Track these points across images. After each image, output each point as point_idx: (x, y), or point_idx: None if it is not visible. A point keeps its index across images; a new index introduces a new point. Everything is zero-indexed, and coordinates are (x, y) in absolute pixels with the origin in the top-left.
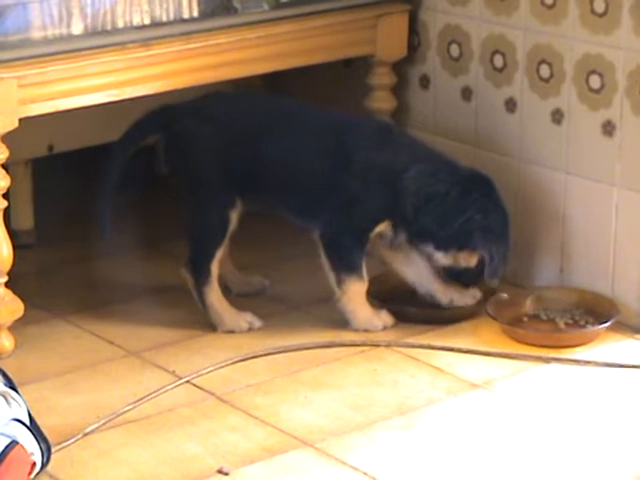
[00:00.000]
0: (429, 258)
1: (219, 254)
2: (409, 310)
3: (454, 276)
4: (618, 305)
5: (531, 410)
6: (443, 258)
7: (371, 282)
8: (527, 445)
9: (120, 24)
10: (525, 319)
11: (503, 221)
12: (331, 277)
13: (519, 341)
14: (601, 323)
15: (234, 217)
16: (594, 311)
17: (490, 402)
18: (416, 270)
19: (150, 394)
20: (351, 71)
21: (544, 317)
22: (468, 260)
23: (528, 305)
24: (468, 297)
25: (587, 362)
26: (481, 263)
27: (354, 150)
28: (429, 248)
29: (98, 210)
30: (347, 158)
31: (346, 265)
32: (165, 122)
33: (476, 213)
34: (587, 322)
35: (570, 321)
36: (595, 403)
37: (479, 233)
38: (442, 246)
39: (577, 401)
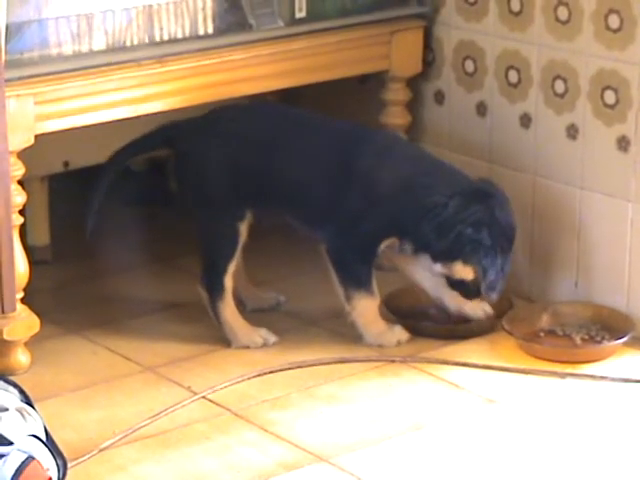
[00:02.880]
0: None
1: (232, 268)
2: (424, 325)
3: (455, 288)
4: (634, 320)
5: (547, 426)
6: (440, 269)
7: (387, 297)
8: (544, 461)
9: (135, 41)
10: (541, 334)
11: (502, 235)
12: (340, 292)
13: (535, 356)
14: (617, 338)
15: (244, 229)
16: (610, 326)
17: (506, 418)
18: (426, 275)
19: (166, 409)
20: (365, 87)
21: (560, 332)
22: (463, 273)
23: (544, 320)
24: (478, 309)
25: (603, 377)
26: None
27: (359, 166)
28: (428, 259)
29: (87, 207)
30: (352, 172)
31: (353, 280)
32: (173, 138)
33: (468, 227)
34: (603, 338)
35: (586, 337)
36: (611, 419)
37: (470, 247)
38: (438, 258)
39: (593, 417)
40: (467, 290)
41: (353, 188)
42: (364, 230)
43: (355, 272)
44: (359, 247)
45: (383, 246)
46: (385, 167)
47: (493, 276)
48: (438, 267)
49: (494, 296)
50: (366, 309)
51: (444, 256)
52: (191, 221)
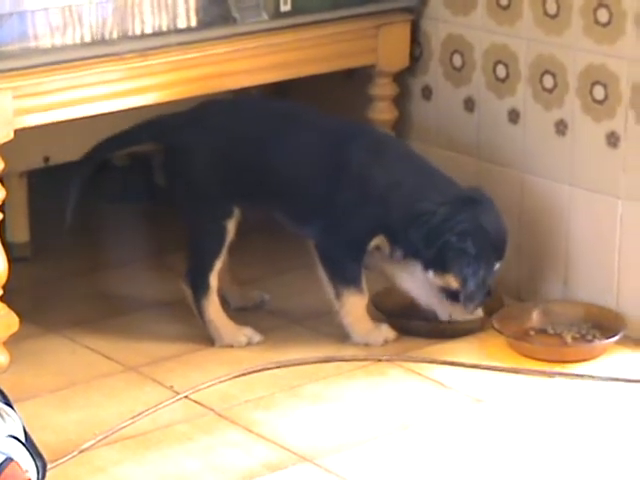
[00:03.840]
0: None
1: (218, 266)
2: (412, 324)
3: (450, 298)
4: (625, 318)
5: (535, 426)
6: (433, 278)
7: (374, 296)
8: (531, 461)
9: (117, 34)
10: (532, 333)
11: (491, 244)
12: (329, 289)
13: (525, 355)
14: (608, 337)
15: (232, 227)
16: (601, 325)
17: (494, 418)
18: (416, 283)
19: (148, 410)
20: (352, 81)
21: (551, 331)
22: (454, 283)
23: (535, 319)
24: (469, 316)
25: (592, 377)
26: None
27: (349, 162)
28: (418, 265)
29: (65, 203)
30: (342, 169)
31: (343, 277)
32: (162, 132)
33: (453, 235)
34: (594, 336)
35: (577, 335)
36: (600, 419)
37: (453, 256)
38: (429, 266)
39: (582, 417)
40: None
41: (343, 184)
42: (353, 226)
43: (344, 269)
44: (348, 243)
45: (373, 244)
46: (376, 165)
47: (473, 287)
48: (430, 275)
49: (472, 307)
50: (354, 307)
51: (435, 264)
52: (176, 218)
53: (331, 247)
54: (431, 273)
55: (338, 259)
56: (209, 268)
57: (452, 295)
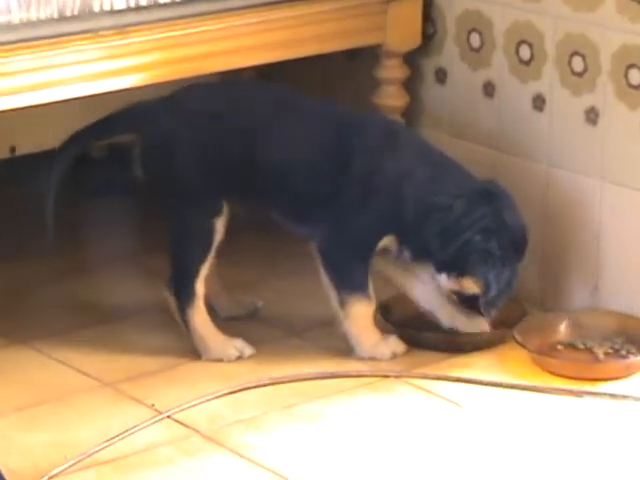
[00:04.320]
0: (434, 279)
1: (204, 270)
2: (423, 335)
3: (465, 302)
4: None
5: (560, 451)
6: (446, 282)
7: (382, 304)
8: None
9: (93, 8)
10: (559, 347)
11: (513, 243)
12: (332, 297)
13: (551, 372)
14: None
15: (220, 226)
16: (636, 339)
17: (514, 441)
18: (420, 287)
19: (126, 431)
20: (357, 63)
21: (580, 345)
22: (473, 287)
23: (562, 331)
24: (474, 325)
25: (625, 397)
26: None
27: (356, 153)
28: (430, 269)
29: (43, 203)
30: (348, 161)
31: (348, 283)
32: (139, 121)
33: (477, 234)
34: (629, 351)
35: (610, 350)
36: (633, 443)
37: (476, 257)
38: (443, 268)
39: (614, 441)
40: (477, 305)
41: (349, 179)
42: (361, 225)
43: (350, 273)
44: (355, 244)
45: (381, 244)
46: (385, 157)
47: (496, 291)
48: (444, 279)
49: (492, 314)
50: (360, 316)
51: (449, 267)
52: (159, 215)
53: (335, 249)
54: (444, 276)
55: (343, 262)
56: (195, 273)
57: (466, 301)
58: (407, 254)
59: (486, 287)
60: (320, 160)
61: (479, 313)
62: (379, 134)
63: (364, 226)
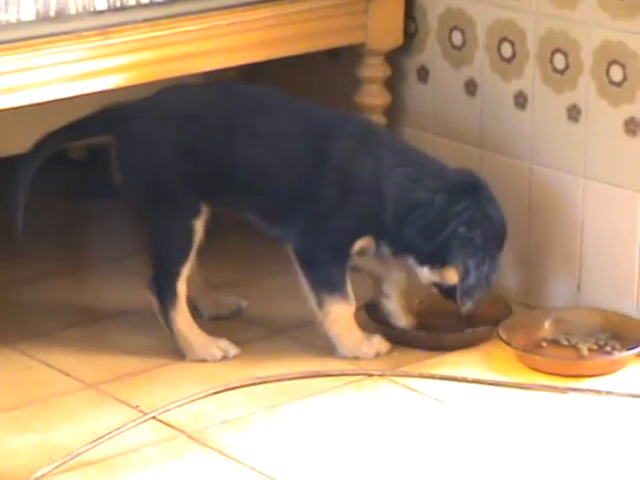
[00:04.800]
0: (414, 273)
1: (186, 270)
2: (408, 334)
3: (445, 294)
4: None
5: (547, 448)
6: (429, 274)
7: (366, 303)
8: None
9: (74, 9)
10: (543, 344)
11: (494, 234)
12: (310, 298)
13: (536, 369)
14: (628, 348)
15: (200, 227)
16: (620, 335)
17: (499, 439)
18: (389, 283)
19: (111, 432)
20: (338, 62)
21: (565, 342)
22: (453, 277)
23: (546, 328)
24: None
25: (609, 392)
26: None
27: (332, 154)
28: (412, 262)
29: (13, 201)
30: (324, 162)
31: (326, 284)
32: (115, 122)
33: (461, 225)
34: (613, 347)
35: (594, 347)
36: (617, 439)
37: (458, 244)
38: (426, 261)
39: (598, 437)
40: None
41: (325, 179)
42: (337, 226)
43: (327, 274)
44: (331, 246)
45: (358, 246)
46: (361, 156)
47: (473, 281)
48: (425, 272)
49: (469, 304)
50: (340, 316)
51: (433, 259)
52: (139, 217)
53: (312, 250)
54: (426, 269)
55: (320, 263)
56: (176, 274)
57: (446, 292)
58: (386, 250)
59: (465, 273)
60: (297, 161)
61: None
62: (356, 134)
63: (341, 227)
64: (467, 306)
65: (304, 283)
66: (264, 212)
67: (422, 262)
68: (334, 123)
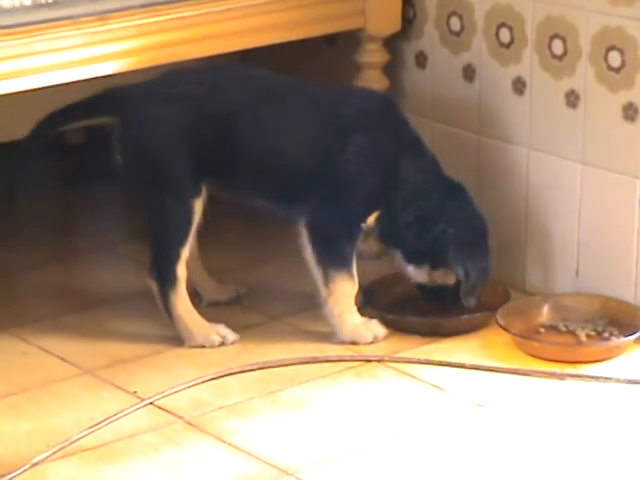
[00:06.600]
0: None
1: (185, 253)
2: (406, 319)
3: (433, 297)
4: None
5: (543, 433)
6: (417, 273)
7: (365, 289)
8: (538, 473)
9: None
10: (541, 330)
11: (482, 233)
12: (317, 273)
13: (534, 355)
14: (626, 335)
15: (198, 207)
16: (618, 321)
17: (497, 424)
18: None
19: (108, 418)
20: (336, 48)
21: (563, 328)
22: (445, 278)
23: (544, 314)
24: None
25: (607, 378)
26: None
27: (351, 130)
28: (399, 257)
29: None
30: (342, 139)
31: (335, 259)
32: (117, 104)
33: (451, 225)
34: (611, 333)
35: (592, 333)
36: (615, 424)
37: (454, 248)
38: (414, 259)
39: (596, 423)
40: (445, 297)
41: (343, 158)
42: (352, 200)
43: (338, 249)
44: (345, 221)
45: (370, 219)
46: (381, 134)
47: (475, 279)
48: (411, 270)
49: (473, 301)
50: (344, 295)
51: (421, 258)
52: (138, 202)
53: (327, 224)
54: (412, 267)
55: (334, 238)
56: (176, 257)
57: (429, 292)
58: (377, 231)
59: (466, 275)
60: (312, 138)
61: (441, 305)
62: (373, 110)
63: (356, 203)
64: (471, 303)
65: (312, 258)
66: (273, 193)
67: (408, 260)
68: (351, 99)
